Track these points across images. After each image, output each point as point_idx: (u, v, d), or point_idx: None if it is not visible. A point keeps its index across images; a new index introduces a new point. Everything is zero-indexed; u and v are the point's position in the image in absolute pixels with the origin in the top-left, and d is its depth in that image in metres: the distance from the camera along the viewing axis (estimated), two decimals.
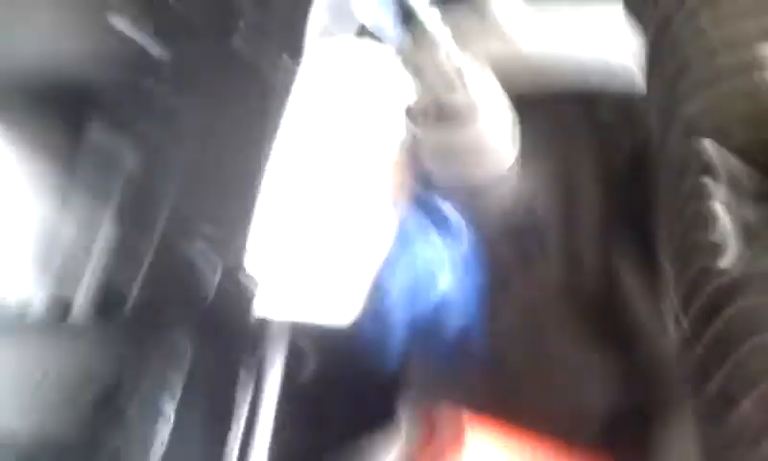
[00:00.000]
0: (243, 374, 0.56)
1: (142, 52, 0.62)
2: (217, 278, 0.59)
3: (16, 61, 0.60)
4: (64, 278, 0.62)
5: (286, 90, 0.58)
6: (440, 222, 0.57)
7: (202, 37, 0.63)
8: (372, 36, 0.53)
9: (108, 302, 0.60)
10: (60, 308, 0.60)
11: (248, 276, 0.56)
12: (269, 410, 0.56)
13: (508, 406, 0.54)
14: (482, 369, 0.58)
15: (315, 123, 0.56)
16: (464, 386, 0.57)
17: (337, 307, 0.55)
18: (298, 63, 0.58)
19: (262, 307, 0.53)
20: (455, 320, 0.56)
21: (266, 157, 0.56)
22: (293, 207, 0.55)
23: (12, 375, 0.56)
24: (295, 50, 0.59)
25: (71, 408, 0.54)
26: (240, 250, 0.57)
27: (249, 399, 0.56)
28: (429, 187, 0.57)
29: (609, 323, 0.59)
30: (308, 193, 0.55)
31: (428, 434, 0.55)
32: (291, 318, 0.55)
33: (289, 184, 0.55)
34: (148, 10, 0.62)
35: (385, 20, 0.48)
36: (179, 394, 0.55)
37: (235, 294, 0.57)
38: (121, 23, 0.61)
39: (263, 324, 0.56)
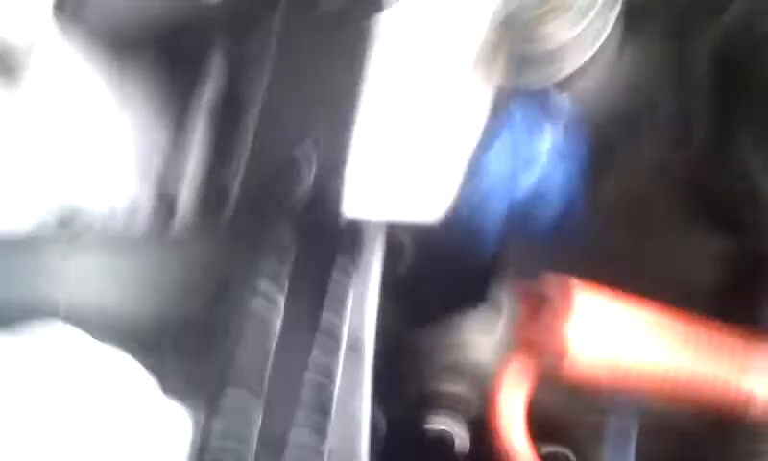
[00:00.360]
0: (344, 267, 0.58)
1: None
2: (313, 176, 0.60)
3: None
4: (166, 179, 0.65)
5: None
6: (538, 101, 0.56)
7: None
8: None
9: (210, 200, 0.62)
10: (166, 210, 0.63)
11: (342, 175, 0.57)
12: (373, 300, 0.58)
13: (611, 285, 0.55)
14: (584, 248, 0.58)
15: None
16: (564, 266, 0.56)
17: (428, 202, 0.55)
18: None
19: (356, 207, 0.54)
20: (556, 201, 0.56)
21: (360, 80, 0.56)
22: (385, 105, 0.55)
23: (130, 277, 0.59)
24: None
25: (189, 302, 0.57)
26: (335, 150, 0.58)
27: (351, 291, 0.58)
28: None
29: (716, 199, 0.58)
30: (398, 86, 0.55)
31: (532, 308, 0.55)
32: (384, 216, 0.55)
33: (381, 86, 0.55)
34: None
35: None
36: (286, 286, 0.57)
37: (332, 193, 0.58)
38: None
39: (359, 221, 0.57)
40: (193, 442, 0.50)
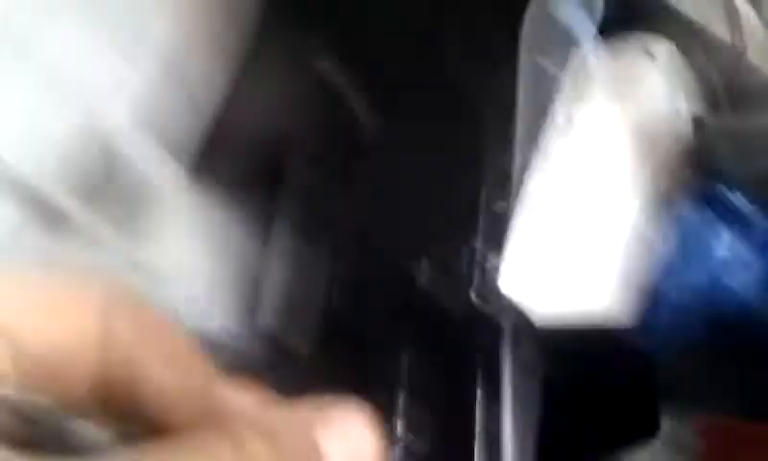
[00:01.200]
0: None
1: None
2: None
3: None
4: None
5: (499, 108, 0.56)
6: (731, 216, 0.47)
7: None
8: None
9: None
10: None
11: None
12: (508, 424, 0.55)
13: None
14: None
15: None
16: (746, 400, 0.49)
17: (612, 305, 0.51)
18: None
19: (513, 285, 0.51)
20: (753, 324, 0.47)
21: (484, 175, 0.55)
22: (552, 214, 0.52)
23: None
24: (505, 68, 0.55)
25: None
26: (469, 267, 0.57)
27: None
28: (717, 179, 0.48)
29: None
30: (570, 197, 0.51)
31: (710, 447, 0.50)
32: (565, 323, 0.52)
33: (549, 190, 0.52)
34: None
35: None
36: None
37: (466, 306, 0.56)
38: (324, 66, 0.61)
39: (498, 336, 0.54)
40: None
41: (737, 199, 0.47)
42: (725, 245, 0.46)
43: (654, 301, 0.49)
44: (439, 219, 0.61)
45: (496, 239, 0.61)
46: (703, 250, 0.46)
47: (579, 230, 0.52)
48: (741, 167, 0.46)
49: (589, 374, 0.60)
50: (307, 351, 0.60)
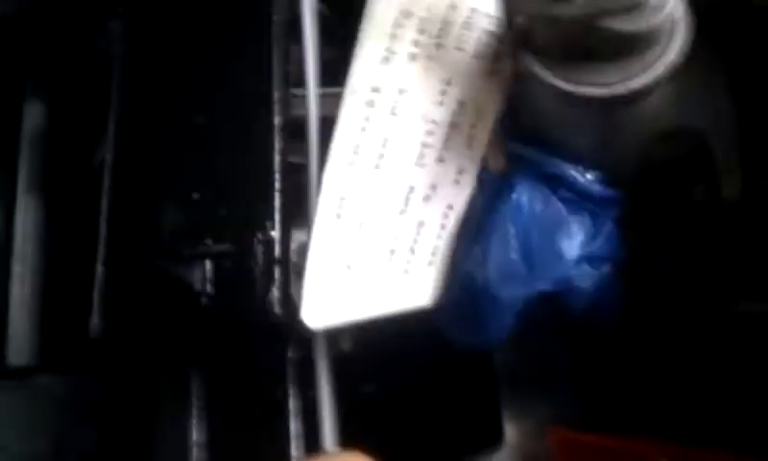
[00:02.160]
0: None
1: None
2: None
3: None
4: None
5: None
6: (578, 203, 0.38)
7: None
8: None
9: None
10: None
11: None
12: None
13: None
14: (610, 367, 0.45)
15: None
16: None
17: (416, 289, 0.42)
18: None
19: (316, 315, 0.41)
20: (581, 304, 0.40)
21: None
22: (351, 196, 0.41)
23: None
24: None
25: None
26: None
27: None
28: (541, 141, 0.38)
29: None
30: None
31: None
32: (362, 315, 0.42)
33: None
34: None
35: None
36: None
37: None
38: None
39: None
40: None
41: (584, 179, 0.39)
42: (577, 244, 0.39)
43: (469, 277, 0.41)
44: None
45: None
46: (552, 252, 0.38)
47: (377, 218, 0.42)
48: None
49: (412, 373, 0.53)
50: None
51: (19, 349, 0.64)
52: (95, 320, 0.52)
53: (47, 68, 0.74)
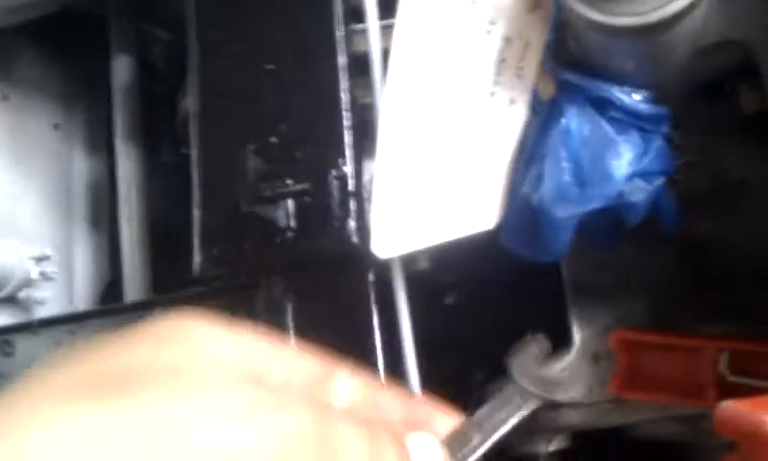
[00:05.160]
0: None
1: None
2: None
3: None
4: None
5: None
6: (627, 123, 0.39)
7: None
8: None
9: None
10: None
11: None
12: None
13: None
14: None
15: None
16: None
17: (478, 213, 0.45)
18: None
19: (386, 245, 0.45)
20: (636, 216, 0.41)
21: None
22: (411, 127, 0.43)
23: None
24: None
25: None
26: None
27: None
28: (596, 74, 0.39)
29: None
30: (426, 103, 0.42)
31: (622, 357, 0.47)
32: (429, 242, 0.46)
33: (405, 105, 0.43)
34: None
35: None
36: None
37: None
38: None
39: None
40: None
41: (631, 99, 0.40)
42: (626, 163, 0.40)
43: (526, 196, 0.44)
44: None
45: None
46: (601, 172, 0.40)
47: (437, 146, 0.44)
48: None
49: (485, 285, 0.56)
50: None
51: (134, 286, 0.72)
52: (196, 258, 0.58)
53: (127, 24, 0.78)
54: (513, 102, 0.42)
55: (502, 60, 0.40)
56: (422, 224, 0.46)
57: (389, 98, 0.43)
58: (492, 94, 0.41)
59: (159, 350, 0.30)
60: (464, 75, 0.41)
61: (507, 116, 0.43)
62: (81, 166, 0.84)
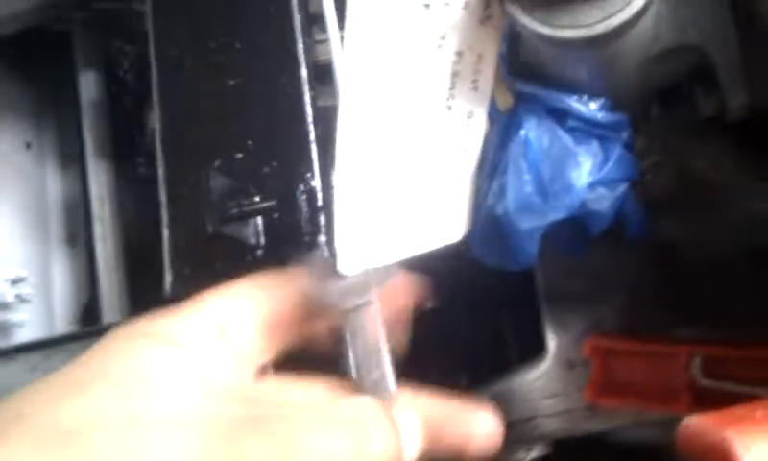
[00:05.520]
0: None
1: None
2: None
3: None
4: None
5: None
6: (585, 132, 0.39)
7: None
8: None
9: None
10: None
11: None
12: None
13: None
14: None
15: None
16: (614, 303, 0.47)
17: (444, 227, 0.45)
18: None
19: (352, 262, 0.43)
20: (601, 224, 0.41)
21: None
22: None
23: None
24: None
25: None
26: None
27: None
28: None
29: None
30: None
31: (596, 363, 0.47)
32: (397, 257, 0.44)
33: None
34: None
35: None
36: None
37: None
38: None
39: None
40: None
41: (588, 108, 0.40)
42: (586, 173, 0.40)
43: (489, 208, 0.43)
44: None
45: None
46: (562, 183, 0.40)
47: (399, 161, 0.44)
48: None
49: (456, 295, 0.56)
50: None
51: (112, 304, 0.71)
52: (168, 278, 0.57)
53: (93, 39, 0.77)
54: (470, 115, 0.41)
55: (456, 74, 0.40)
56: (388, 238, 0.45)
57: (344, 113, 0.42)
58: (450, 108, 0.41)
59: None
60: (419, 88, 0.40)
61: (466, 129, 0.42)
62: (54, 184, 0.84)
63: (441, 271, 0.58)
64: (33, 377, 0.34)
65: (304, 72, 0.55)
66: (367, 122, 0.42)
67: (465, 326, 0.62)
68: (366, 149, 0.43)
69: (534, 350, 0.53)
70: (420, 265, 0.55)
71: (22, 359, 0.61)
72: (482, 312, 0.61)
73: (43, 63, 0.83)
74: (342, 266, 0.45)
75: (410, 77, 0.40)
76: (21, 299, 0.74)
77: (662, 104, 0.42)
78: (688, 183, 0.45)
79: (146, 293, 0.77)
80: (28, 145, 0.83)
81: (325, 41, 0.54)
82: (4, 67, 0.81)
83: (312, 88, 0.56)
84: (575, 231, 0.46)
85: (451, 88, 0.40)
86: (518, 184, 0.41)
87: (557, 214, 0.40)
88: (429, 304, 0.65)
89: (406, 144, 0.43)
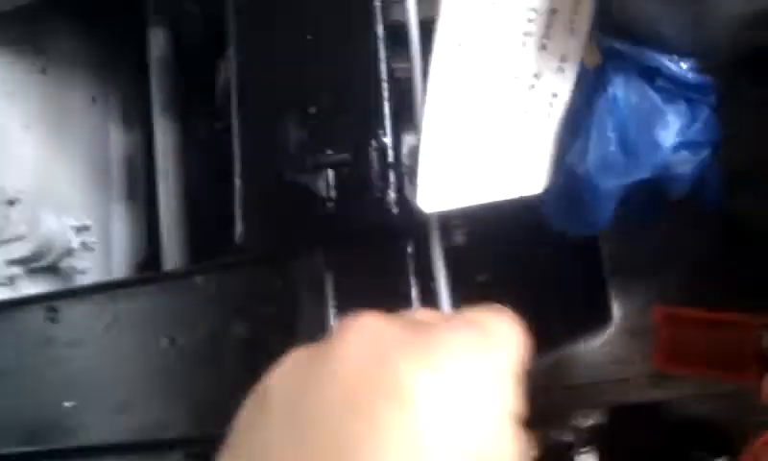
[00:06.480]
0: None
1: None
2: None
3: None
4: None
5: None
6: (674, 91, 0.39)
7: None
8: None
9: None
10: None
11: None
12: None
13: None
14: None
15: None
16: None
17: (524, 178, 0.45)
18: None
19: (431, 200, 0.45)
20: (681, 189, 0.41)
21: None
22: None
23: None
24: None
25: None
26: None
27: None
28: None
29: None
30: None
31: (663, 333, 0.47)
32: (475, 201, 0.45)
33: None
34: None
35: None
36: None
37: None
38: None
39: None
40: None
41: (679, 68, 0.40)
42: (673, 133, 0.40)
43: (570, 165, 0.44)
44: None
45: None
46: (649, 141, 0.40)
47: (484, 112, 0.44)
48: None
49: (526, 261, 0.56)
50: None
51: (173, 258, 0.72)
52: (238, 227, 0.58)
53: None
54: (563, 58, 0.42)
55: (553, 12, 0.40)
56: (469, 181, 0.46)
57: (437, 54, 0.42)
58: (543, 48, 0.41)
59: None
60: (514, 26, 0.41)
61: (557, 74, 0.42)
62: (117, 139, 0.85)
63: (499, 242, 0.59)
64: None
65: (381, 30, 0.56)
66: (457, 66, 0.42)
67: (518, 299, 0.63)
68: (455, 94, 0.44)
69: (595, 321, 0.53)
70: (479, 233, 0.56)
71: (90, 300, 0.63)
72: (536, 285, 0.61)
73: (111, 19, 0.85)
74: (421, 202, 0.46)
75: (507, 8, 0.40)
76: (85, 246, 0.76)
77: (749, 74, 0.42)
78: (763, 159, 0.45)
79: (202, 250, 0.79)
80: (93, 99, 0.85)
81: (401, 1, 0.55)
82: (72, 22, 0.83)
83: (387, 47, 0.56)
84: (651, 196, 0.46)
85: (547, 26, 0.40)
86: (602, 142, 0.41)
87: (641, 173, 0.40)
88: (481, 278, 0.66)
89: (494, 88, 0.43)
